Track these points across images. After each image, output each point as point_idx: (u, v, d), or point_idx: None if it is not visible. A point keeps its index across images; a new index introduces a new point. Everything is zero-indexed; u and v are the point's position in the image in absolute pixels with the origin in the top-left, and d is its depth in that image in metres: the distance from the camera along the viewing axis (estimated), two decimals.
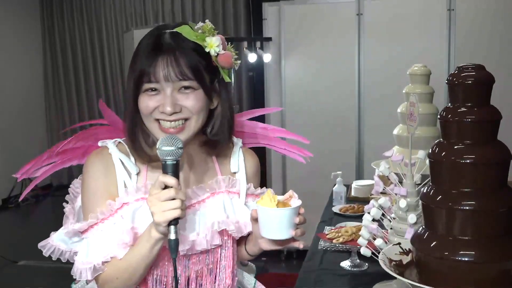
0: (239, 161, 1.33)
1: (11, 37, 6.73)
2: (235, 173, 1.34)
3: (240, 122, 1.45)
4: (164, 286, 1.25)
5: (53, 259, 1.28)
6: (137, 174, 1.24)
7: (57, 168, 1.40)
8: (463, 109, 1.15)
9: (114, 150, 1.24)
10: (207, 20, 1.22)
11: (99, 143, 1.28)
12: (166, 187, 1.09)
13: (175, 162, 1.10)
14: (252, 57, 4.26)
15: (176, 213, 1.07)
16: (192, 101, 1.16)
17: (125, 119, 1.22)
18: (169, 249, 1.11)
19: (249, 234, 1.33)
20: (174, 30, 1.18)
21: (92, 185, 1.23)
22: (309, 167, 4.36)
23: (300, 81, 4.26)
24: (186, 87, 1.16)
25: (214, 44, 1.18)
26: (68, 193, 1.38)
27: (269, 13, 4.29)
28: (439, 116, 1.20)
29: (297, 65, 4.26)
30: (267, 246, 1.26)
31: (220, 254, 1.29)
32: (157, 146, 1.11)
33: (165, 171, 1.10)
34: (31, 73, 7.12)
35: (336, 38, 4.14)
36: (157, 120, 1.17)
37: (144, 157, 1.22)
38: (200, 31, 1.19)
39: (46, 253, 1.28)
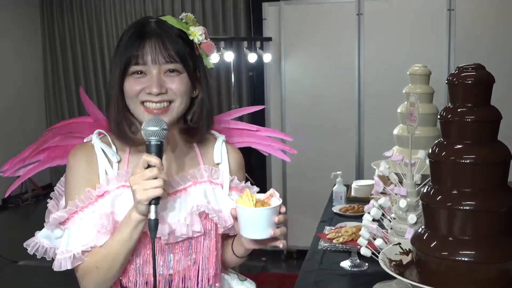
0: (221, 153, 1.35)
1: (11, 37, 6.73)
2: (218, 164, 1.34)
3: (226, 121, 1.49)
4: (146, 277, 1.23)
5: (38, 257, 1.28)
6: (118, 162, 1.26)
7: (42, 167, 1.41)
8: (463, 109, 1.15)
9: (96, 140, 1.26)
10: (189, 13, 1.29)
11: (85, 140, 1.30)
12: (149, 166, 1.11)
13: (159, 142, 1.13)
14: (252, 57, 4.26)
15: (158, 192, 1.09)
16: (177, 84, 1.20)
17: (109, 105, 1.23)
18: (148, 229, 1.11)
19: (235, 236, 1.34)
20: (159, 18, 1.25)
21: (74, 175, 1.24)
22: (309, 167, 4.38)
23: (300, 81, 4.26)
24: (171, 70, 1.20)
25: (197, 33, 1.25)
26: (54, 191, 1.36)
27: (269, 13, 4.29)
28: (439, 116, 1.20)
29: (297, 65, 4.26)
30: (249, 245, 1.25)
31: (203, 245, 1.27)
32: (142, 127, 1.14)
33: (148, 151, 1.12)
34: (31, 73, 7.12)
35: (336, 38, 4.14)
36: (142, 103, 1.20)
37: (127, 142, 1.24)
38: (183, 20, 1.27)
39: (30, 251, 1.28)
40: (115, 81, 1.21)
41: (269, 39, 4.30)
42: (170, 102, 1.21)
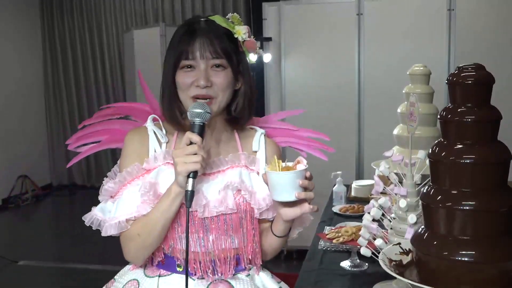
0: (260, 142, 1.47)
1: (11, 37, 6.73)
2: (255, 152, 1.46)
3: (270, 121, 1.63)
4: (184, 246, 1.31)
5: (93, 228, 1.37)
6: (167, 143, 1.40)
7: (102, 147, 1.53)
8: (463, 109, 1.15)
9: (150, 123, 1.41)
10: (235, 13, 1.43)
11: (144, 125, 1.44)
12: (191, 144, 1.24)
13: (201, 123, 1.27)
14: (252, 57, 4.25)
15: (197, 166, 1.22)
16: (221, 78, 1.34)
17: (163, 94, 1.38)
18: (185, 199, 1.23)
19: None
20: (208, 18, 1.39)
21: (127, 152, 1.39)
22: (309, 167, 4.36)
23: (300, 81, 4.26)
24: (217, 65, 1.33)
25: (242, 32, 1.39)
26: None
27: (269, 13, 4.29)
28: (439, 116, 1.20)
29: (297, 65, 4.26)
30: (285, 214, 1.31)
31: (240, 224, 1.36)
32: (188, 109, 1.29)
33: (192, 130, 1.27)
34: (31, 73, 7.12)
35: (336, 38, 4.14)
36: (192, 98, 1.33)
37: (176, 126, 1.38)
38: (230, 20, 1.40)
39: (87, 223, 1.36)
40: (168, 73, 1.36)
41: (269, 39, 4.30)
42: (212, 98, 1.33)
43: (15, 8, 6.83)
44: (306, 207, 1.29)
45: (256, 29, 5.88)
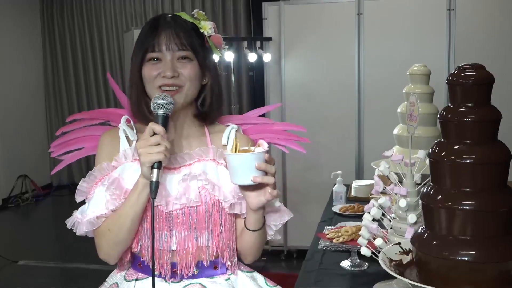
0: (229, 136, 1.45)
1: (11, 37, 6.73)
2: (225, 145, 1.44)
3: (247, 117, 1.61)
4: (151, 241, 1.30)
5: (74, 231, 1.37)
6: (136, 141, 1.39)
7: (85, 154, 1.55)
8: (463, 109, 1.15)
9: (123, 124, 1.42)
10: (200, 10, 1.43)
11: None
12: (154, 135, 1.24)
13: (165, 114, 1.27)
14: (252, 57, 4.26)
15: (160, 156, 1.22)
16: (188, 69, 1.34)
17: (131, 89, 1.38)
18: (150, 190, 1.22)
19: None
20: (174, 14, 1.40)
21: (99, 153, 1.41)
22: (309, 167, 4.38)
23: (300, 81, 4.26)
24: (183, 57, 1.34)
25: (207, 27, 1.40)
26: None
27: (269, 13, 4.29)
28: (439, 116, 1.20)
29: (297, 65, 4.26)
30: (251, 202, 1.30)
31: (205, 219, 1.35)
32: (151, 101, 1.28)
33: (155, 121, 1.26)
34: (31, 73, 7.12)
35: (336, 38, 4.15)
36: (159, 87, 1.33)
37: (144, 120, 1.36)
38: (195, 16, 1.41)
39: (69, 226, 1.38)
40: (135, 67, 1.36)
41: (269, 39, 4.30)
42: (180, 86, 1.34)
43: (15, 8, 6.83)
44: (267, 193, 1.27)
45: (256, 29, 5.89)
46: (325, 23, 4.15)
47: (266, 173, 1.25)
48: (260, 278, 1.49)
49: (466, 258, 1.08)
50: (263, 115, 1.66)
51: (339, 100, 4.19)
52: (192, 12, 1.42)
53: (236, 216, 1.42)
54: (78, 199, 1.39)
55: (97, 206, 1.33)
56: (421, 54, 3.84)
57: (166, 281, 1.35)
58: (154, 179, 1.22)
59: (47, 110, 7.38)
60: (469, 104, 1.15)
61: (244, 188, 1.28)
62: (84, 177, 1.39)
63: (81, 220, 1.34)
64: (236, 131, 1.48)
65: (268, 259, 4.29)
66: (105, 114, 1.57)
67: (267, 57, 4.26)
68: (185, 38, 1.33)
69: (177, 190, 1.33)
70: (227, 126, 1.50)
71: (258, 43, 4.34)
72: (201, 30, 1.40)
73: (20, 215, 6.36)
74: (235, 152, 1.25)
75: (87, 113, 1.57)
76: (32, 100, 7.16)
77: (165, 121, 1.27)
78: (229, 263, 1.40)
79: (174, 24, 1.35)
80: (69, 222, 1.38)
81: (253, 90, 5.05)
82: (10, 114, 6.64)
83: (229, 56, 4.17)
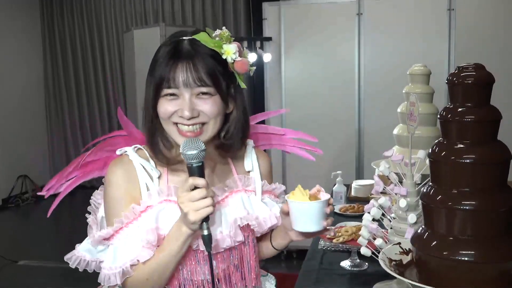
0: (252, 160, 1.40)
1: (11, 37, 6.73)
2: (249, 171, 1.40)
3: (253, 126, 1.50)
4: (195, 283, 1.28)
5: (80, 270, 1.31)
6: (159, 177, 1.28)
7: (79, 181, 1.43)
8: (463, 109, 1.15)
9: (134, 156, 1.28)
10: (224, 28, 1.25)
11: (118, 152, 1.31)
12: (195, 188, 1.14)
13: (200, 163, 1.16)
14: (252, 57, 4.25)
15: (210, 210, 1.14)
16: (209, 106, 1.20)
17: (144, 124, 1.26)
18: (204, 244, 1.17)
19: (272, 230, 1.39)
20: (192, 37, 1.23)
21: (115, 193, 1.26)
22: (309, 167, 4.38)
23: (300, 81, 4.26)
24: (203, 93, 1.20)
25: (231, 51, 1.22)
26: (90, 204, 1.40)
27: (269, 13, 4.29)
28: (439, 116, 1.20)
29: (297, 65, 4.26)
30: (298, 238, 1.31)
31: (243, 251, 1.33)
32: (181, 151, 1.16)
33: (192, 174, 1.15)
34: (31, 73, 7.12)
35: (336, 38, 4.14)
36: (175, 123, 1.22)
37: (163, 160, 1.27)
38: (217, 38, 1.23)
39: (72, 264, 1.31)
40: (149, 100, 1.23)
41: (269, 39, 4.30)
42: (203, 124, 1.22)
43: (15, 8, 6.83)
44: (326, 232, 1.31)
45: (256, 29, 5.89)
46: (325, 23, 4.15)
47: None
48: (272, 279, 1.53)
49: (466, 258, 1.08)
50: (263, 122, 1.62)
51: (339, 100, 4.19)
52: (215, 33, 1.24)
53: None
54: (94, 244, 1.28)
55: (130, 255, 1.22)
56: (421, 54, 3.84)
57: None
58: (206, 232, 1.16)
59: (47, 110, 7.37)
60: (469, 104, 1.15)
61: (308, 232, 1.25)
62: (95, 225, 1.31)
63: (108, 270, 1.22)
64: (253, 147, 1.43)
65: (268, 259, 4.26)
66: (104, 144, 1.41)
67: (267, 57, 4.26)
68: (204, 71, 1.18)
69: (222, 234, 1.27)
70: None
71: (258, 43, 4.34)
72: (224, 56, 1.22)
73: (20, 215, 6.36)
74: (307, 199, 1.21)
75: (85, 155, 1.40)
76: (32, 100, 7.16)
77: (202, 171, 1.16)
78: (256, 284, 1.39)
79: (193, 53, 1.19)
80: (72, 261, 1.31)
81: (253, 90, 5.04)
82: (10, 114, 6.63)
83: None
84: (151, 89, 1.22)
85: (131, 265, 1.22)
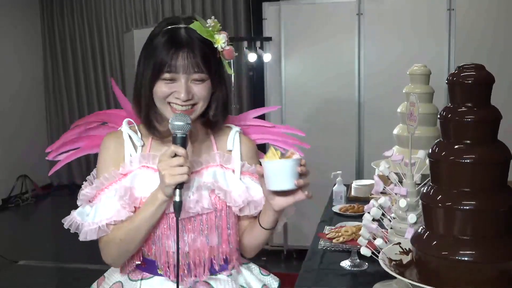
0: (234, 140, 1.48)
1: (11, 37, 6.73)
2: (230, 151, 1.47)
3: (244, 118, 1.63)
4: (165, 248, 1.37)
5: (71, 231, 1.40)
6: (142, 146, 1.42)
7: (82, 153, 1.56)
8: (463, 109, 1.15)
9: (125, 128, 1.42)
10: (213, 17, 1.37)
11: (119, 129, 1.45)
12: (175, 155, 1.26)
13: (184, 135, 1.29)
14: (252, 57, 4.26)
15: (184, 178, 1.25)
16: (202, 90, 1.34)
17: (138, 102, 1.38)
18: (174, 210, 1.27)
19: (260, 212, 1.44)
20: (189, 26, 1.35)
21: (104, 157, 1.41)
22: (309, 167, 4.37)
23: (300, 81, 4.26)
24: (198, 79, 1.33)
25: (221, 41, 1.37)
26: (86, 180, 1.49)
27: (269, 13, 4.29)
28: (439, 116, 1.20)
29: (297, 65, 4.26)
30: (278, 203, 1.33)
31: (215, 223, 1.39)
32: (169, 121, 1.29)
33: (175, 142, 1.28)
34: (31, 73, 7.12)
35: (336, 38, 4.14)
36: (169, 103, 1.34)
37: (155, 133, 1.40)
38: (210, 28, 1.36)
39: (66, 225, 1.40)
40: (146, 82, 1.35)
41: (269, 39, 4.30)
42: (194, 104, 1.35)
43: (15, 8, 6.83)
44: (300, 194, 1.31)
45: (256, 29, 5.89)
46: (325, 23, 4.15)
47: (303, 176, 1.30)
48: (255, 268, 1.56)
49: (466, 258, 1.08)
50: (262, 116, 1.68)
51: (339, 100, 4.19)
52: (207, 24, 1.36)
53: (239, 217, 1.46)
54: (80, 203, 1.40)
55: (106, 213, 1.34)
56: (421, 54, 3.84)
57: (170, 279, 1.39)
58: (178, 199, 1.27)
59: (47, 110, 7.37)
60: (469, 104, 1.15)
61: (278, 193, 1.31)
62: (85, 178, 1.42)
63: (87, 226, 1.34)
64: (240, 133, 1.51)
65: (268, 259, 4.29)
66: (104, 116, 1.58)
67: (267, 57, 4.26)
68: (201, 60, 1.31)
69: (189, 198, 1.35)
70: (227, 127, 1.52)
71: (258, 43, 4.34)
72: (215, 45, 1.37)
73: (20, 215, 6.36)
74: (277, 158, 1.28)
75: (87, 117, 1.58)
76: (32, 100, 7.16)
77: (184, 141, 1.29)
78: (235, 263, 1.45)
79: (191, 42, 1.31)
80: (66, 222, 1.39)
81: (253, 90, 5.05)
82: (10, 114, 6.63)
83: None
84: (149, 72, 1.33)
85: (108, 224, 1.33)
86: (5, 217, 6.23)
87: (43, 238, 5.30)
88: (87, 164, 6.91)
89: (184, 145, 1.28)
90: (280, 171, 1.27)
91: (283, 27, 4.21)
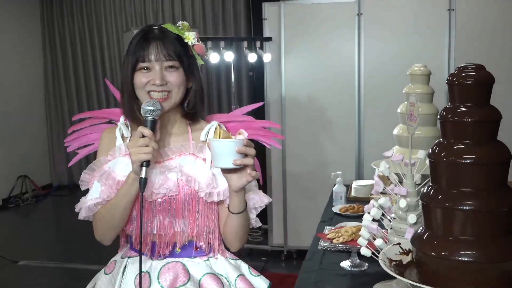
0: (209, 132, 1.58)
1: (11, 37, 6.73)
2: (204, 141, 1.57)
3: (232, 115, 1.73)
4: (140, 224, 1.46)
5: (79, 217, 1.55)
6: (130, 137, 1.56)
7: (94, 148, 1.71)
8: (463, 109, 1.15)
9: (121, 122, 1.59)
10: (184, 22, 1.58)
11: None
12: (143, 137, 1.39)
13: (153, 119, 1.43)
14: (252, 57, 4.25)
15: (148, 156, 1.38)
16: (175, 77, 1.49)
17: (123, 94, 1.54)
18: (139, 185, 1.39)
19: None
20: (160, 25, 1.55)
21: (100, 148, 1.60)
22: (309, 167, 4.38)
23: (300, 81, 4.26)
24: (170, 66, 1.49)
25: (191, 37, 1.55)
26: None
27: (269, 13, 4.29)
28: (439, 116, 1.20)
29: (297, 65, 4.26)
30: (233, 184, 1.42)
31: (183, 207, 1.50)
32: (142, 107, 1.44)
33: (145, 125, 1.42)
34: (31, 73, 7.12)
35: (336, 38, 4.14)
36: (148, 92, 1.48)
37: (136, 122, 1.52)
38: (180, 27, 1.56)
39: (77, 209, 1.55)
40: (127, 75, 1.50)
41: (269, 39, 4.30)
42: (169, 92, 1.49)
43: (15, 8, 6.83)
44: (247, 175, 1.40)
45: (256, 29, 5.89)
46: (325, 23, 4.15)
47: (246, 157, 1.38)
48: (244, 266, 1.62)
49: (466, 258, 1.08)
50: (251, 114, 1.75)
51: (339, 100, 4.19)
52: (178, 24, 1.56)
53: (220, 204, 1.54)
54: (82, 188, 1.57)
55: (94, 195, 1.51)
56: (421, 54, 3.84)
57: (151, 259, 1.53)
58: (143, 175, 1.39)
59: (47, 110, 7.37)
60: (469, 104, 1.15)
61: (227, 171, 1.41)
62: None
63: (82, 205, 1.52)
64: (217, 127, 1.59)
65: (268, 259, 4.29)
66: (108, 113, 1.75)
67: (267, 57, 4.26)
68: (171, 49, 1.48)
69: (156, 180, 1.48)
70: (209, 122, 1.63)
71: (258, 43, 4.34)
72: (186, 40, 1.54)
73: (20, 215, 6.36)
74: (218, 138, 1.41)
75: (93, 112, 1.76)
76: (32, 100, 7.16)
77: (153, 125, 1.43)
78: (203, 245, 1.54)
79: (162, 36, 1.49)
80: (77, 206, 1.56)
81: (253, 90, 5.05)
82: (10, 114, 6.63)
83: (229, 56, 4.17)
84: (128, 66, 1.49)
85: (96, 204, 1.50)
86: (5, 217, 6.23)
87: (43, 238, 5.30)
88: (87, 165, 6.88)
89: (152, 129, 1.41)
90: (221, 150, 1.37)
91: (283, 27, 4.21)
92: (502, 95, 3.05)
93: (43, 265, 4.48)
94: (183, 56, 1.51)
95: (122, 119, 1.60)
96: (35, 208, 6.54)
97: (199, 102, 1.57)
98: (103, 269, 1.63)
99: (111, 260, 1.64)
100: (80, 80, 7.19)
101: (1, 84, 6.52)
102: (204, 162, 1.53)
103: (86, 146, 1.74)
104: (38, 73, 7.26)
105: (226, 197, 1.50)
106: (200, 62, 1.59)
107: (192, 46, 1.56)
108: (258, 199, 1.55)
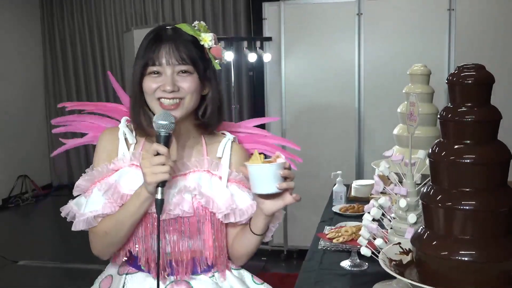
0: (225, 148, 1.48)
1: (11, 37, 6.73)
2: (220, 158, 1.47)
3: (245, 127, 1.63)
4: (149, 245, 1.40)
5: (68, 220, 1.44)
6: (135, 144, 1.45)
7: (85, 142, 1.62)
8: (463, 109, 1.15)
9: (123, 125, 1.46)
10: (201, 22, 1.44)
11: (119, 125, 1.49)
12: (158, 154, 1.28)
13: (167, 134, 1.31)
14: (252, 57, 4.25)
15: (165, 176, 1.27)
16: (188, 82, 1.36)
17: (131, 100, 1.41)
18: (155, 207, 1.30)
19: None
20: (175, 26, 1.41)
21: (99, 152, 1.45)
22: (309, 167, 4.38)
23: (300, 81, 4.26)
24: (183, 71, 1.35)
25: (207, 39, 1.41)
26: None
27: (269, 13, 4.29)
28: (439, 116, 1.20)
29: (297, 65, 4.26)
30: (267, 208, 1.33)
31: (197, 228, 1.40)
32: (153, 120, 1.31)
33: (158, 141, 1.30)
34: (31, 73, 7.12)
35: (336, 38, 4.14)
36: (158, 99, 1.36)
37: (141, 132, 1.42)
38: (196, 28, 1.41)
39: (63, 214, 1.44)
40: (135, 79, 1.38)
41: (269, 39, 4.30)
42: (181, 99, 1.36)
43: (15, 8, 6.83)
44: (288, 197, 1.32)
45: (256, 29, 5.89)
46: (325, 23, 4.15)
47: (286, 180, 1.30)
48: (247, 275, 1.54)
49: (466, 258, 1.08)
50: (263, 125, 1.66)
51: (339, 100, 4.19)
52: (194, 23, 1.43)
53: (227, 225, 1.46)
54: (76, 193, 1.45)
55: (94, 207, 1.38)
56: (421, 54, 3.84)
57: (152, 277, 1.41)
58: (159, 197, 1.29)
59: (47, 110, 7.37)
60: (469, 104, 1.15)
61: (264, 196, 1.31)
62: (84, 173, 1.45)
63: (79, 217, 1.39)
64: (233, 141, 1.51)
65: (268, 259, 4.29)
66: (107, 109, 1.62)
67: (267, 57, 4.26)
68: (185, 52, 1.34)
69: (171, 200, 1.37)
70: (222, 134, 1.53)
71: (258, 43, 4.34)
72: (202, 43, 1.40)
73: (20, 215, 6.36)
74: (259, 162, 1.29)
75: (90, 104, 1.65)
76: (32, 100, 7.16)
77: (167, 141, 1.31)
78: (220, 267, 1.46)
79: (175, 37, 1.36)
80: (63, 211, 1.44)
81: (253, 90, 5.04)
82: (10, 114, 6.63)
83: (229, 56, 4.17)
84: (137, 69, 1.36)
85: (95, 216, 1.38)
86: (5, 217, 6.23)
87: (43, 238, 5.30)
88: (87, 165, 6.88)
89: (167, 144, 1.30)
90: (262, 175, 1.29)
91: (283, 27, 4.21)
92: (502, 95, 3.06)
93: (43, 265, 4.47)
94: (198, 60, 1.37)
95: (124, 121, 1.47)
96: (35, 208, 6.54)
97: (215, 111, 1.44)
98: (98, 284, 1.52)
99: (104, 273, 1.53)
100: (80, 80, 7.19)
101: (1, 84, 6.52)
102: (220, 180, 1.43)
103: (77, 135, 1.62)
104: (38, 73, 7.26)
105: (244, 218, 1.41)
106: (217, 67, 1.44)
107: (209, 48, 1.41)
108: (275, 218, 1.46)
